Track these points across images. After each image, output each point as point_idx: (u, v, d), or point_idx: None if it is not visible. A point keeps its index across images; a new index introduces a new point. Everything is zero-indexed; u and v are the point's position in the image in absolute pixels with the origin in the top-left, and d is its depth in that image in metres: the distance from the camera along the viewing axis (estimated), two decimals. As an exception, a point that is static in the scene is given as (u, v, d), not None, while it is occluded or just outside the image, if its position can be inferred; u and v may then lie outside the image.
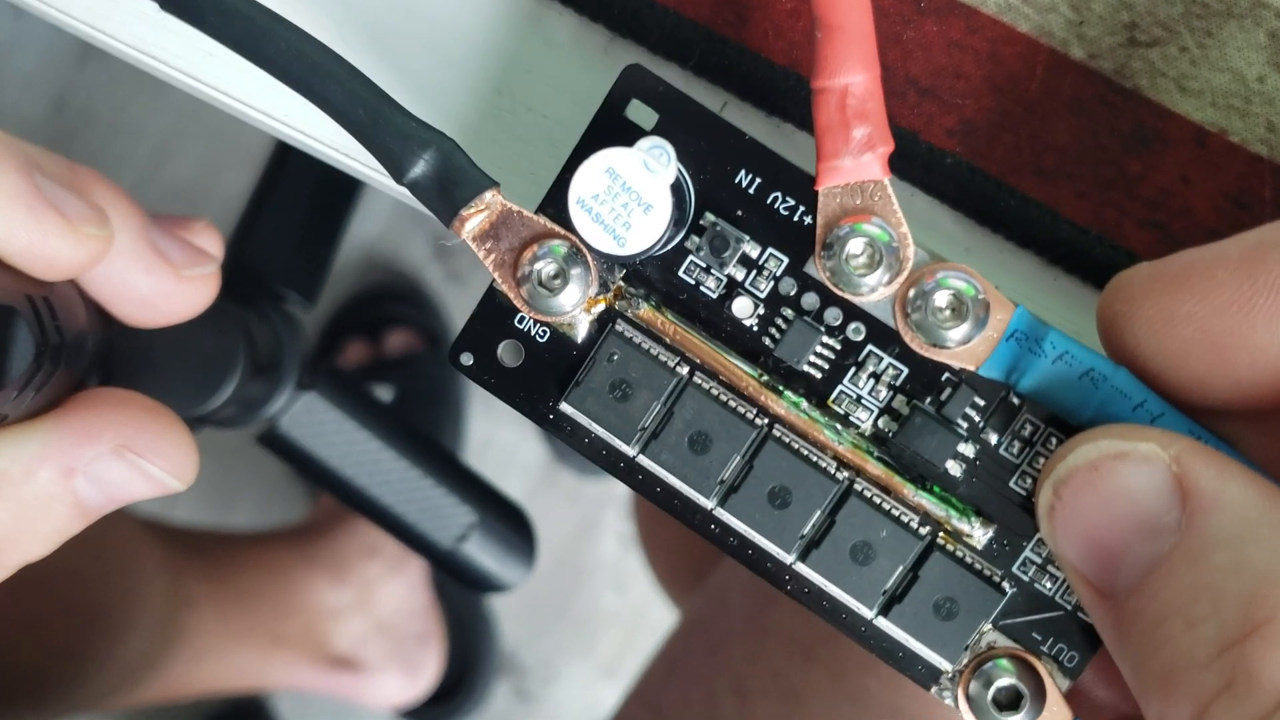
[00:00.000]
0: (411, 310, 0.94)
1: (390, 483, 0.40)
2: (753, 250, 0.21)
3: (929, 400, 0.20)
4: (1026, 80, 0.22)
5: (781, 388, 0.21)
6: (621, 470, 0.21)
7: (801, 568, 0.21)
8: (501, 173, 0.23)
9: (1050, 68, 0.22)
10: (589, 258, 0.20)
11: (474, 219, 0.20)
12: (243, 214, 0.45)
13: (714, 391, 0.21)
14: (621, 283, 0.21)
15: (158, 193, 0.97)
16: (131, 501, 0.21)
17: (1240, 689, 0.15)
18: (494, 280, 0.21)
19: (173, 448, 0.21)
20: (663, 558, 0.61)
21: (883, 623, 0.20)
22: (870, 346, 0.20)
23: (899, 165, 0.22)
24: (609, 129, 0.21)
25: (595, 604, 1.00)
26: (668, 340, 0.21)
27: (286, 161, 0.45)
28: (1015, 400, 0.20)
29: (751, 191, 0.20)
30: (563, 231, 0.20)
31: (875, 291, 0.20)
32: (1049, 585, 0.20)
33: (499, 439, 0.98)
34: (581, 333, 0.21)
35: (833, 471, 0.20)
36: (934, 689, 0.21)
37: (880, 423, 0.21)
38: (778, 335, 0.21)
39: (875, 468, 0.20)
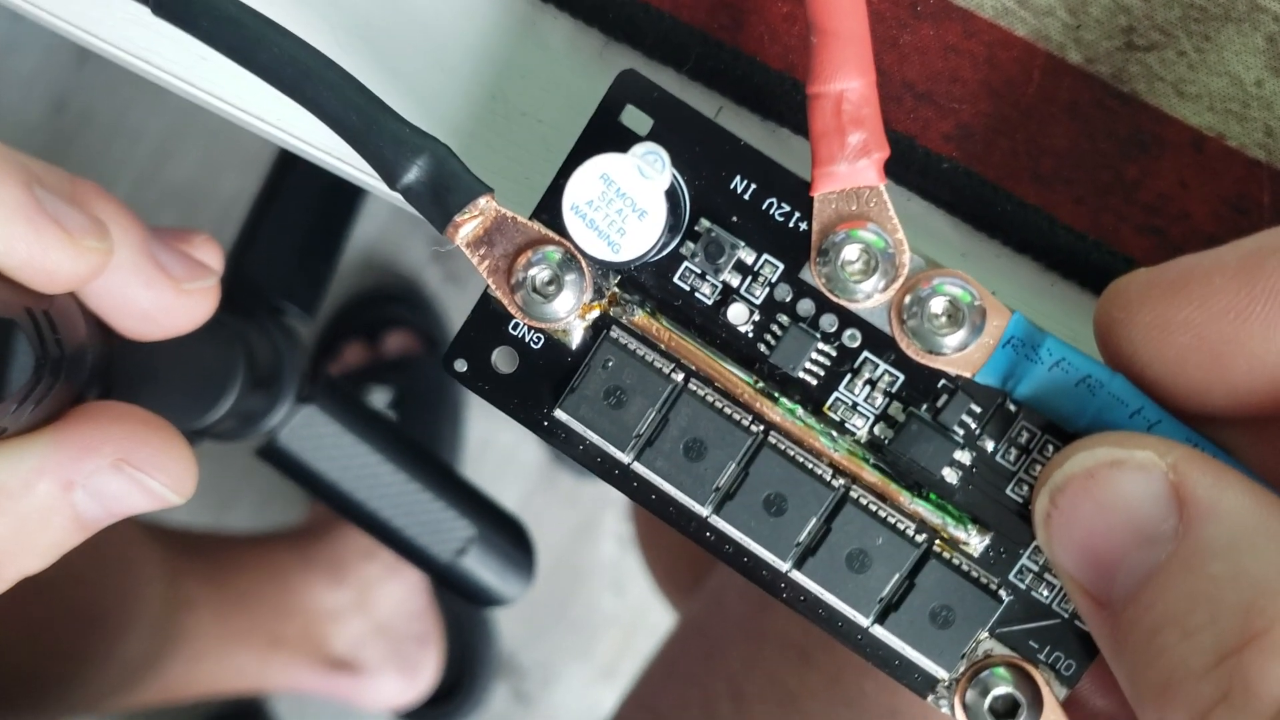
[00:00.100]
0: (410, 312, 0.94)
1: (389, 496, 0.40)
2: (748, 256, 0.20)
3: (925, 407, 0.20)
4: (1023, 85, 0.22)
5: (777, 394, 0.21)
6: (616, 477, 0.21)
7: (797, 575, 0.20)
8: (495, 178, 0.22)
9: (1047, 72, 0.22)
10: (583, 264, 0.20)
11: (468, 225, 0.20)
12: (243, 227, 0.45)
13: (709, 398, 0.20)
14: (616, 289, 0.21)
15: (157, 194, 0.97)
16: (130, 515, 0.21)
17: (1237, 700, 0.15)
18: (488, 286, 0.21)
19: (172, 461, 0.21)
20: (661, 560, 0.61)
21: (879, 631, 0.20)
22: (866, 353, 0.20)
23: (895, 170, 0.22)
24: (604, 134, 0.21)
25: (594, 606, 0.99)
26: (663, 347, 0.21)
27: (287, 174, 0.45)
28: (1012, 407, 0.20)
29: (746, 197, 0.20)
30: (557, 237, 0.20)
31: (871, 298, 0.20)
32: (1046, 593, 0.20)
33: (498, 441, 0.98)
34: (576, 339, 0.21)
35: (828, 479, 0.20)
36: (930, 697, 0.20)
37: (876, 430, 0.20)
38: (773, 342, 0.21)
39: (871, 475, 0.20)
